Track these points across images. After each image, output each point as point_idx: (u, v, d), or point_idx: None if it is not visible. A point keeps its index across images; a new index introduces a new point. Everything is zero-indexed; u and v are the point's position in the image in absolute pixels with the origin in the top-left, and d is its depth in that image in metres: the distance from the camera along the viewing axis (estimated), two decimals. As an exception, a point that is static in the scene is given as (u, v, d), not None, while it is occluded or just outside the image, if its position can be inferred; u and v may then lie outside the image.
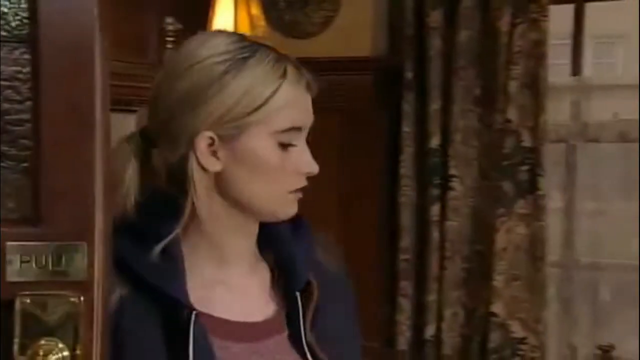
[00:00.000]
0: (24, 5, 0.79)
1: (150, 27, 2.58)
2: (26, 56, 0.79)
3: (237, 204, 1.13)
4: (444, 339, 2.71)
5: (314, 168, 1.15)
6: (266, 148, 1.10)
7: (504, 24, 2.61)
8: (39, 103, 0.79)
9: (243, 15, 2.39)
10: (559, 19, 2.67)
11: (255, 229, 1.18)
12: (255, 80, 1.09)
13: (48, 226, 0.81)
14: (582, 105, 2.83)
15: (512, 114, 2.61)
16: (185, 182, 1.11)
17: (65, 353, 0.82)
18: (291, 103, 1.11)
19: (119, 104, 2.29)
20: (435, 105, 2.69)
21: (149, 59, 2.59)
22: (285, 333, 1.14)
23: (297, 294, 1.14)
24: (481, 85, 2.67)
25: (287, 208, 1.15)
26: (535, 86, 2.61)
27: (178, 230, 1.10)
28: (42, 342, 0.81)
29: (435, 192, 2.70)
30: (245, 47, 1.11)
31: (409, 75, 2.72)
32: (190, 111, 1.09)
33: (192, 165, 1.10)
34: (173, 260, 1.09)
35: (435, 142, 2.69)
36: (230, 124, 1.09)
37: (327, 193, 2.64)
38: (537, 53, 2.61)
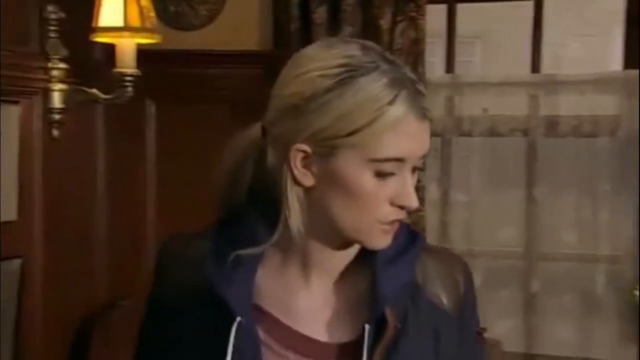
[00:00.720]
0: None
1: (32, 15, 2.48)
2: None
3: (326, 222, 1.06)
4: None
5: (412, 202, 1.04)
6: (358, 174, 1.02)
7: (385, 21, 2.69)
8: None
9: (132, 5, 2.34)
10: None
11: (349, 245, 1.09)
12: (358, 102, 1.00)
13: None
14: (455, 101, 2.97)
15: (394, 108, 2.69)
16: (278, 191, 1.04)
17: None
18: (394, 132, 1.01)
19: (-1, 94, 2.21)
20: (320, 99, 2.73)
21: (30, 48, 2.50)
22: None
23: (367, 327, 1.04)
24: (364, 81, 2.74)
25: (375, 239, 1.06)
26: (414, 82, 2.71)
27: (261, 249, 1.05)
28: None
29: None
30: (363, 63, 1.02)
31: (295, 69, 2.76)
32: (289, 120, 1.03)
33: (286, 175, 1.04)
34: (243, 270, 1.05)
35: (320, 135, 2.74)
36: (325, 142, 1.01)
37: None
38: (416, 50, 2.70)
